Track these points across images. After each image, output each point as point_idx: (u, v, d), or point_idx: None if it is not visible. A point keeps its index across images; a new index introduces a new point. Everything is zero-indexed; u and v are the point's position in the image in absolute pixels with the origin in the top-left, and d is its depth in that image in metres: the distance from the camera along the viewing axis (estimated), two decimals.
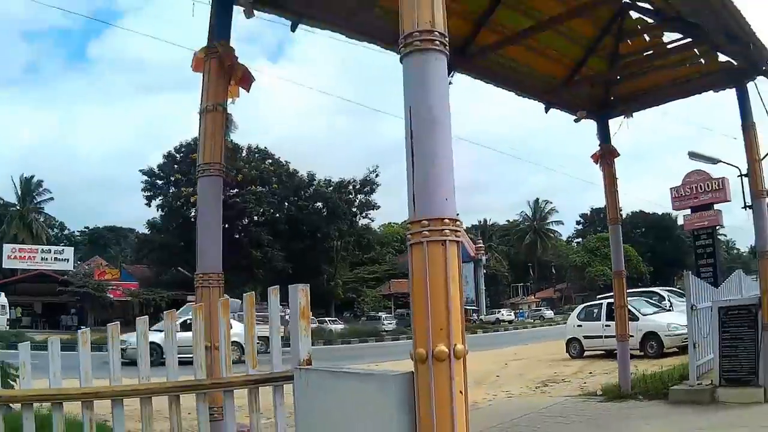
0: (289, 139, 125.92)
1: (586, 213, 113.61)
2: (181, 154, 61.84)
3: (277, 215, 64.34)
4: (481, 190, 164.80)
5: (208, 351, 5.13)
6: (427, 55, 3.75)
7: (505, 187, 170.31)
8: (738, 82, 12.07)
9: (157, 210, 65.92)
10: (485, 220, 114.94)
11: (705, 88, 13.03)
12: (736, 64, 11.78)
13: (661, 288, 33.31)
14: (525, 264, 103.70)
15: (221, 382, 4.89)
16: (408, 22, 3.79)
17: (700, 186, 28.26)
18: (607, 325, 22.04)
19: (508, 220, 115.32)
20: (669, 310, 24.84)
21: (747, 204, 13.30)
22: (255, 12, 8.10)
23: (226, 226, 58.11)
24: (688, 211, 29.15)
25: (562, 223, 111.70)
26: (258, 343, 5.23)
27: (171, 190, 63.70)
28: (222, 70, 7.43)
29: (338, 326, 56.79)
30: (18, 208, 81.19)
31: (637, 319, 21.73)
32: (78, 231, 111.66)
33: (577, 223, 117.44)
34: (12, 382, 7.38)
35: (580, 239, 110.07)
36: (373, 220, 75.34)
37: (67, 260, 69.18)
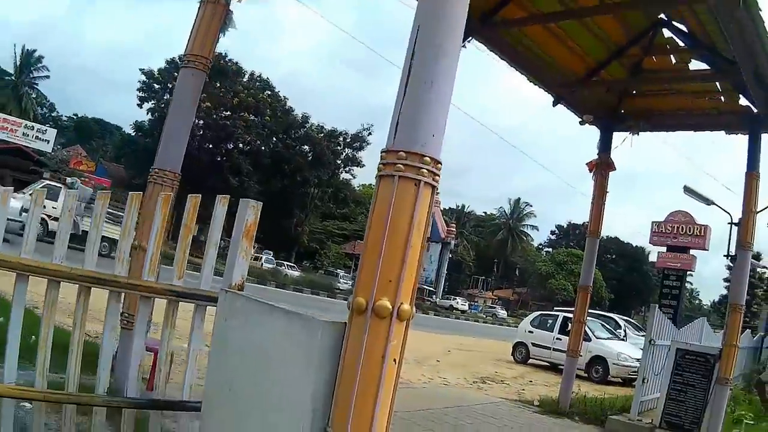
0: (296, 78, 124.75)
1: (562, 225, 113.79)
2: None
3: (263, 148, 63.29)
4: (466, 175, 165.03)
5: (134, 250, 4.61)
6: None
7: (491, 179, 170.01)
8: (753, 130, 11.63)
9: (147, 113, 64.75)
10: (463, 206, 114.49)
11: (718, 127, 12.65)
12: (756, 110, 11.35)
13: (619, 316, 33.01)
14: (491, 259, 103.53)
15: (139, 284, 4.37)
16: None
17: (682, 228, 27.93)
18: (558, 338, 21.81)
19: (485, 212, 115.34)
20: (623, 339, 24.63)
21: (730, 253, 12.93)
22: None
23: (211, 146, 57.95)
24: (664, 249, 28.82)
25: (537, 229, 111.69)
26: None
27: (165, 97, 62.64)
28: None
29: (295, 273, 56.30)
30: (13, 78, 79.58)
31: (589, 340, 21.41)
32: (66, 116, 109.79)
33: (552, 232, 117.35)
34: None
35: (550, 249, 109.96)
36: (354, 177, 74.78)
37: (48, 141, 67.60)
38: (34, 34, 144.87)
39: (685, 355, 11.68)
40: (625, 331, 26.78)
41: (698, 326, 15.71)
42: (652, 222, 28.88)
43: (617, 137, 13.79)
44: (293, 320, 3.38)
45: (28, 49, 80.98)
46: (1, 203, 4.15)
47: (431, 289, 78.76)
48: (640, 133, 13.60)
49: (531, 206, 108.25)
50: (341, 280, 60.45)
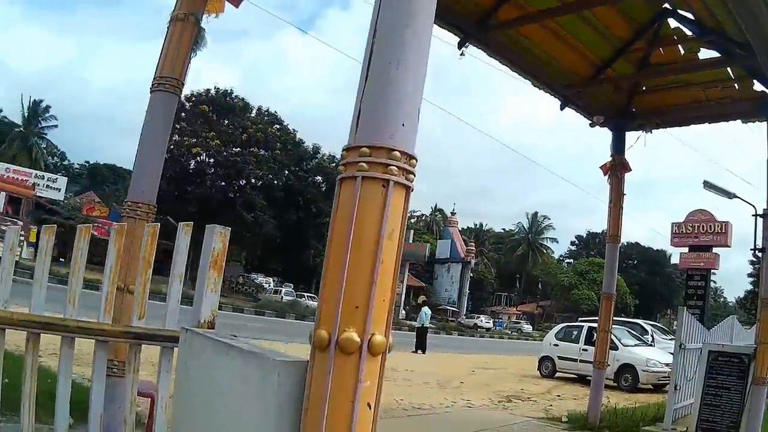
0: (305, 110, 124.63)
1: (581, 235, 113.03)
2: (191, 103, 60.82)
3: (275, 182, 62.80)
4: (484, 195, 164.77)
5: (120, 292, 4.14)
6: None
7: (507, 197, 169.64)
8: None
9: None
10: (481, 225, 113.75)
11: (733, 116, 12.15)
12: None
13: (644, 321, 32.32)
14: (512, 275, 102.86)
15: (92, 327, 3.86)
16: None
17: (702, 226, 27.47)
18: (584, 349, 21.16)
19: (503, 229, 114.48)
20: (650, 345, 23.97)
21: (757, 246, 12.44)
22: None
23: (223, 183, 57.83)
24: (686, 249, 28.28)
25: (557, 241, 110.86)
26: None
27: (174, 138, 62.75)
28: None
29: (315, 303, 55.75)
30: (22, 129, 79.82)
31: (616, 348, 20.81)
32: (78, 164, 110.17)
33: (572, 243, 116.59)
34: None
35: (571, 260, 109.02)
36: None
37: (59, 190, 67.50)
38: (41, 84, 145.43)
39: (717, 357, 11.07)
40: (652, 336, 26.09)
41: (728, 325, 15.07)
42: (672, 223, 28.47)
43: (630, 137, 13.29)
44: (248, 361, 2.80)
45: (35, 99, 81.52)
46: None
47: (454, 309, 78.19)
48: (653, 131, 13.10)
49: (549, 219, 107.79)
50: None
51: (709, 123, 13.00)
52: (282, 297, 53.31)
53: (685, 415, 12.37)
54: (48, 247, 3.98)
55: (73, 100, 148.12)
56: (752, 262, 63.46)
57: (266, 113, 63.72)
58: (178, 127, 61.15)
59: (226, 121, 59.17)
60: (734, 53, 10.10)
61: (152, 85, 6.32)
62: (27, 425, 3.84)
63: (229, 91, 60.40)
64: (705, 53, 11.39)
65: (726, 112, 12.29)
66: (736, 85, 11.65)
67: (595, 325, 17.52)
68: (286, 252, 65.93)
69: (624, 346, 21.66)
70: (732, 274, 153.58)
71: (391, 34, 2.61)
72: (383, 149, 2.52)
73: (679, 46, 11.66)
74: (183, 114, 61.28)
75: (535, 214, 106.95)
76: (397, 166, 2.52)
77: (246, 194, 58.78)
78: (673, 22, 11.03)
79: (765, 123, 11.19)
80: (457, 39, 10.52)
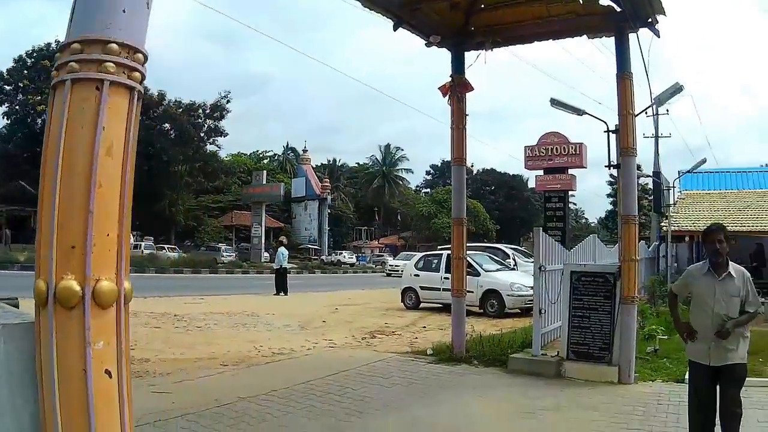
0: (158, 57, 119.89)
1: (436, 164, 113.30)
2: (33, 59, 57.71)
3: None
4: (337, 131, 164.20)
5: None
6: None
7: (360, 131, 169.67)
8: (619, 29, 10.78)
9: (3, 118, 61.98)
10: (334, 160, 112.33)
11: (579, 32, 11.71)
12: (618, 9, 10.56)
13: (506, 245, 32.45)
14: (371, 208, 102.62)
15: None
16: None
17: (556, 149, 27.72)
18: (446, 278, 20.66)
19: (357, 163, 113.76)
20: (513, 269, 23.94)
21: (611, 163, 12.19)
22: None
23: None
24: (541, 172, 28.46)
25: (412, 172, 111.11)
26: None
27: (19, 98, 59.58)
28: None
29: (175, 254, 54.29)
30: None
31: (478, 274, 20.65)
32: None
33: (427, 173, 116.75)
34: None
35: (428, 189, 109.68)
36: (220, 148, 72.46)
37: None
38: None
39: (581, 278, 10.71)
40: (514, 260, 26.12)
41: (589, 244, 14.86)
42: (525, 147, 28.65)
43: (471, 58, 12.55)
44: None
45: None
46: None
47: (316, 247, 77.69)
48: (493, 49, 12.41)
49: (402, 150, 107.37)
50: (224, 254, 59.34)
51: (554, 40, 12.41)
52: (142, 251, 51.40)
53: (554, 339, 12.09)
54: None
55: None
56: (610, 183, 65.36)
57: None
58: (21, 85, 58.17)
59: None
60: None
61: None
62: None
63: None
64: None
65: (571, 28, 11.78)
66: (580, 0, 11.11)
67: None
68: (142, 204, 63.63)
69: (486, 271, 21.45)
70: (592, 196, 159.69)
71: None
72: (97, 43, 1.83)
73: None
74: (25, 72, 58.17)
75: (388, 145, 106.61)
76: (115, 62, 1.84)
77: None
78: None
79: (613, 38, 10.90)
80: None
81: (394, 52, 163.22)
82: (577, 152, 27.26)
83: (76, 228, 1.73)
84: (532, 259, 28.43)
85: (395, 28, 11.47)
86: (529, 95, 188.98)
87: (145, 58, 1.95)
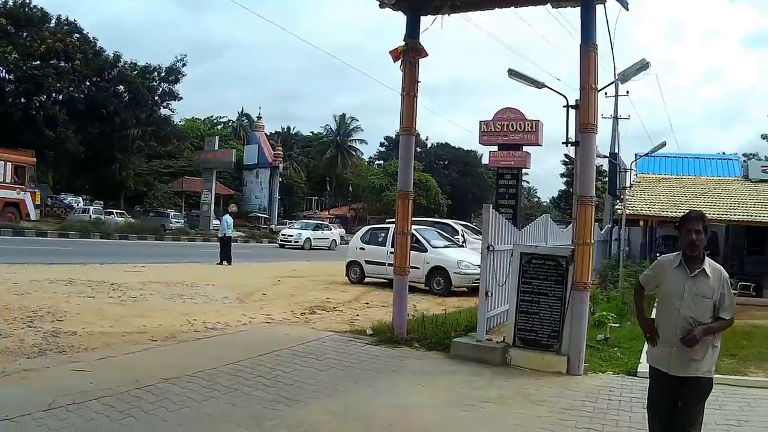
0: (113, 19, 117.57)
1: (391, 136, 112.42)
2: None
3: (77, 94, 58.78)
4: (294, 99, 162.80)
5: None
6: None
7: (317, 100, 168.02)
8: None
9: None
10: (288, 128, 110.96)
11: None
12: None
13: (455, 221, 31.86)
14: (323, 178, 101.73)
15: None
16: None
17: (512, 125, 27.01)
18: (392, 252, 19.80)
19: (312, 132, 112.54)
20: (461, 246, 23.36)
21: (569, 140, 11.58)
22: None
23: (23, 100, 53.90)
24: (495, 148, 27.84)
25: (366, 143, 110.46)
26: None
27: None
28: None
29: (122, 219, 53.00)
30: None
31: (425, 250, 20.14)
32: None
33: (381, 145, 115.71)
34: None
35: (381, 161, 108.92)
36: (174, 112, 70.85)
37: None
38: None
39: (531, 260, 10.09)
40: (463, 236, 25.55)
41: (542, 224, 14.29)
42: (480, 122, 27.89)
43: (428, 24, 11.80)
44: None
45: None
46: None
47: (266, 216, 76.68)
48: (451, 14, 11.68)
49: (357, 121, 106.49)
50: (172, 220, 58.06)
51: (516, 7, 11.72)
52: (91, 216, 50.04)
53: (500, 323, 11.53)
54: None
55: None
56: (564, 162, 65.31)
57: (65, 22, 59.06)
58: None
59: (25, 34, 54.77)
60: None
61: None
62: None
63: (27, 2, 55.45)
64: None
65: None
66: None
67: None
68: (92, 168, 62.17)
69: (433, 248, 20.89)
70: (546, 175, 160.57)
71: None
72: None
73: None
74: None
75: (343, 115, 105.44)
76: None
77: (47, 110, 54.74)
78: None
79: (579, 8, 10.24)
80: None
81: (355, 23, 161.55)
82: (533, 129, 26.65)
83: None
84: (481, 237, 28.31)
85: None
86: (489, 72, 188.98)
87: None
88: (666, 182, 29.44)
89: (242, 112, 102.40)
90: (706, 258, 5.39)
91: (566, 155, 67.17)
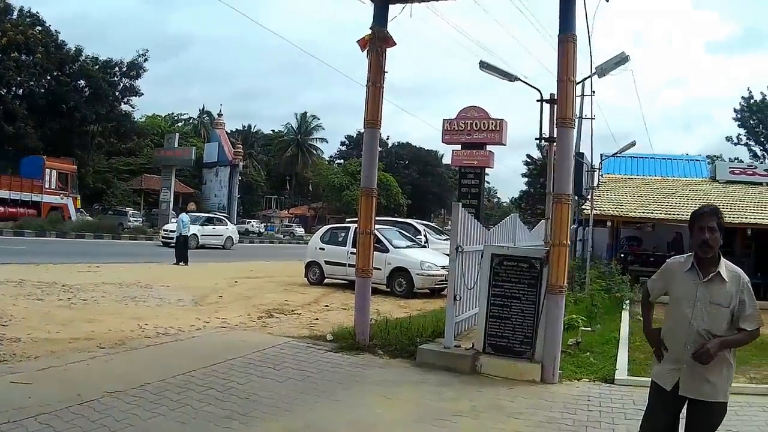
0: (76, 15, 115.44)
1: (352, 135, 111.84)
2: None
3: (37, 89, 57.47)
4: (256, 96, 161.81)
5: None
6: None
7: (280, 98, 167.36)
8: None
9: None
10: (249, 126, 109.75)
11: None
12: None
13: (417, 221, 31.31)
14: (283, 177, 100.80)
15: None
16: None
17: (476, 123, 26.73)
18: (352, 253, 19.29)
19: (273, 130, 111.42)
20: (424, 246, 22.75)
21: (543, 136, 11.12)
22: None
23: None
24: (458, 147, 27.44)
25: (327, 142, 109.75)
26: None
27: None
28: None
29: (83, 217, 51.75)
30: None
31: (387, 251, 19.52)
32: None
33: (342, 144, 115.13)
34: None
35: (342, 161, 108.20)
36: (134, 108, 69.34)
37: None
38: None
39: (503, 262, 9.51)
40: (425, 236, 24.99)
41: (510, 224, 13.65)
42: (444, 120, 27.65)
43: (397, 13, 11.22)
44: None
45: None
46: None
47: (225, 215, 75.68)
48: (421, 2, 11.16)
49: (319, 119, 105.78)
50: (131, 219, 57.06)
51: None
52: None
53: (469, 328, 10.94)
54: None
55: None
56: (526, 163, 65.01)
57: (28, 14, 57.61)
58: None
59: None
60: None
61: None
62: None
63: None
64: None
65: None
66: None
67: None
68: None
69: (395, 248, 20.27)
70: (507, 175, 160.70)
71: None
72: None
73: None
74: None
75: (305, 114, 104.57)
76: None
77: (7, 104, 53.41)
78: None
79: None
80: None
81: (319, 20, 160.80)
82: (498, 128, 26.34)
83: None
84: (444, 237, 27.78)
85: None
86: (453, 72, 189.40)
87: None
88: (632, 183, 29.12)
89: (203, 109, 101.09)
90: (722, 260, 4.63)
91: (528, 155, 67.31)
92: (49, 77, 58.76)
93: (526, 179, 67.85)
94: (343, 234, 21.68)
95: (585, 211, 23.46)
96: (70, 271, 20.22)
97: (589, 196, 22.86)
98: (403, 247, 20.74)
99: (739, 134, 70.48)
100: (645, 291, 5.17)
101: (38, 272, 19.03)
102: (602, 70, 18.27)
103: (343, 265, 20.38)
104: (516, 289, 9.29)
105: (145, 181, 74.89)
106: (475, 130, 26.68)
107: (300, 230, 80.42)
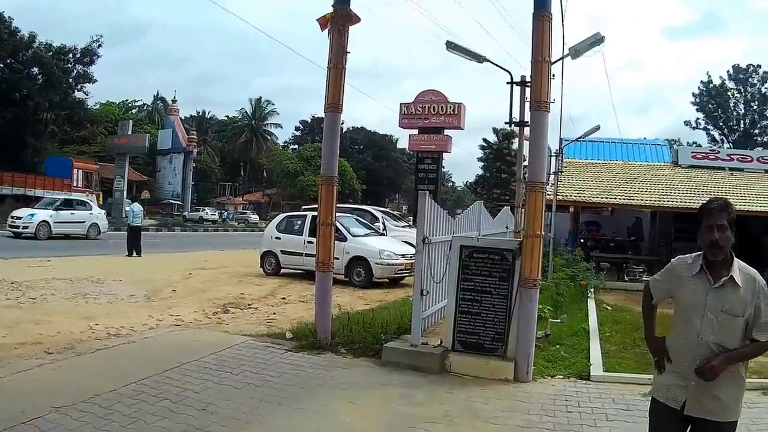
0: (33, 2, 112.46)
1: (306, 120, 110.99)
2: None
3: None
4: (211, 82, 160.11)
5: None
6: None
7: (236, 83, 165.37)
8: None
9: None
10: (204, 112, 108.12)
11: None
12: None
13: (375, 208, 30.78)
14: (237, 163, 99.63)
15: None
16: None
17: (434, 108, 26.51)
18: (309, 242, 18.85)
19: (227, 116, 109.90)
20: (382, 234, 22.21)
21: (513, 120, 10.64)
22: None
23: None
24: (416, 131, 27.09)
25: (281, 127, 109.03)
26: None
27: None
28: None
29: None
30: None
31: (344, 239, 18.94)
32: None
33: (296, 129, 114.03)
34: None
35: (296, 146, 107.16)
36: (88, 95, 67.72)
37: None
38: None
39: (473, 254, 9.01)
40: (383, 224, 24.47)
41: (475, 212, 13.11)
42: (401, 104, 27.41)
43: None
44: None
45: None
46: None
47: (179, 202, 74.67)
48: None
49: (273, 105, 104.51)
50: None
51: None
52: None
53: (436, 323, 10.42)
54: None
55: None
56: (482, 147, 64.57)
57: None
58: None
59: None
60: None
61: None
62: None
63: None
64: None
65: None
66: None
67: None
68: (4, 154, 59.16)
69: (353, 236, 19.78)
70: (461, 159, 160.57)
71: None
72: None
73: None
74: None
75: (259, 99, 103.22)
76: None
77: None
78: None
79: None
80: None
81: (278, 7, 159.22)
82: (456, 112, 26.11)
83: None
84: (402, 223, 27.32)
85: None
86: (411, 57, 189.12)
87: None
88: (594, 167, 28.84)
89: (158, 95, 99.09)
90: (735, 261, 3.98)
91: (485, 139, 66.91)
92: (1, 65, 57.26)
93: (482, 164, 67.43)
94: (299, 222, 21.06)
95: (548, 196, 23.17)
96: (20, 267, 19.32)
97: (552, 182, 22.49)
98: (362, 236, 20.23)
99: (698, 118, 71.25)
100: (647, 292, 4.52)
101: None
102: (576, 51, 17.70)
103: (300, 254, 19.84)
104: (487, 283, 8.82)
105: (100, 170, 73.60)
106: (433, 114, 26.48)
107: (254, 217, 79.62)
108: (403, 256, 19.01)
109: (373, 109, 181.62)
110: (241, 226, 69.61)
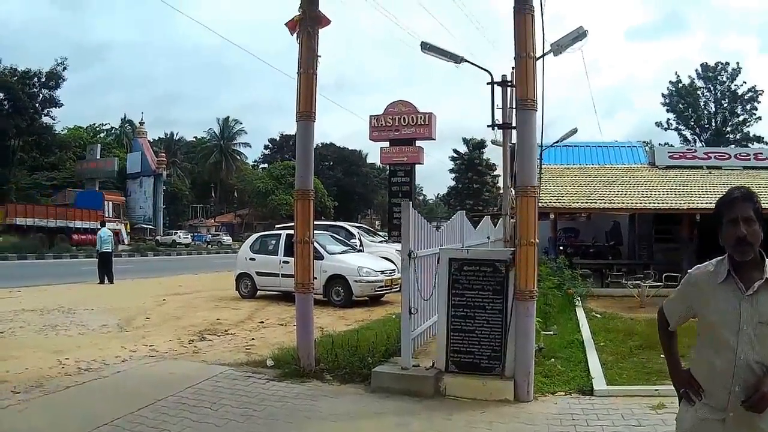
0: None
1: (275, 138, 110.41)
2: None
3: None
4: (176, 101, 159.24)
5: None
6: None
7: (201, 101, 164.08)
8: None
9: None
10: (172, 134, 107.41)
11: None
12: None
13: (349, 223, 30.20)
14: (208, 185, 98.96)
15: None
16: None
17: (404, 118, 26.13)
18: (285, 262, 18.23)
19: (195, 137, 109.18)
20: (359, 250, 21.62)
21: (496, 123, 10.21)
22: None
23: None
24: (386, 144, 26.63)
25: (250, 146, 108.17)
26: None
27: None
28: None
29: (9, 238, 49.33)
30: None
31: (321, 257, 18.22)
32: None
33: (265, 147, 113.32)
34: None
35: (266, 165, 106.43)
36: (55, 120, 66.95)
37: None
38: None
39: (463, 267, 8.48)
40: (360, 240, 23.86)
41: (457, 223, 12.59)
42: (371, 116, 26.90)
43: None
44: None
45: None
46: None
47: (151, 227, 73.92)
48: None
49: (241, 123, 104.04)
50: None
51: None
52: None
53: (426, 341, 9.86)
54: None
55: None
56: (453, 158, 64.38)
57: None
58: None
59: None
60: None
61: None
62: None
63: None
64: None
65: None
66: None
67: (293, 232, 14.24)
68: None
69: (330, 254, 19.10)
70: (431, 170, 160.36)
71: None
72: None
73: None
74: None
75: (227, 119, 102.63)
76: None
77: None
78: None
79: None
80: None
81: (242, 21, 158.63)
82: (426, 122, 25.74)
83: None
84: (378, 238, 26.75)
85: None
86: (378, 70, 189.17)
87: None
88: (571, 172, 28.37)
89: (125, 118, 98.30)
90: (767, 260, 3.29)
91: (455, 150, 66.73)
92: None
93: (453, 174, 67.17)
94: (273, 242, 20.41)
95: None
96: None
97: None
98: (338, 253, 19.61)
99: (669, 119, 71.55)
100: (661, 318, 3.76)
101: None
102: (558, 47, 17.09)
103: (276, 275, 19.22)
104: (479, 297, 8.28)
105: (69, 196, 72.46)
106: (404, 125, 26.13)
107: (227, 239, 79.02)
108: (382, 272, 18.48)
109: (341, 122, 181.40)
110: (215, 249, 68.95)
